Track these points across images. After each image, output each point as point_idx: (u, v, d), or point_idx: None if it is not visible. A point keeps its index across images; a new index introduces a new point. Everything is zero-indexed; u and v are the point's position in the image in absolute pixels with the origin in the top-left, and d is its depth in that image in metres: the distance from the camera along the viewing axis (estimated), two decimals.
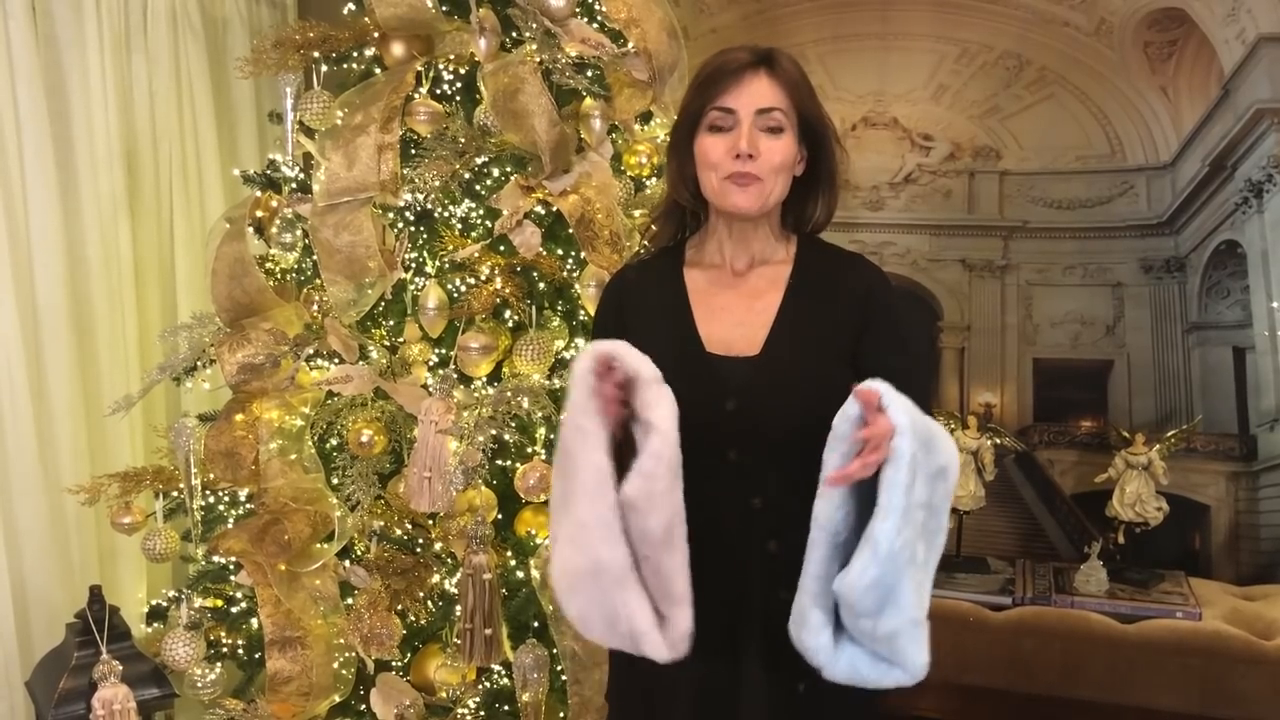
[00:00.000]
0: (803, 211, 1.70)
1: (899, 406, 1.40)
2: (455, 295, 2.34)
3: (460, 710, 2.33)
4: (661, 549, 1.47)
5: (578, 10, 2.39)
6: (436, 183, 2.30)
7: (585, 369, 1.47)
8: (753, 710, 1.61)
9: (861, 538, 1.41)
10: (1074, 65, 3.32)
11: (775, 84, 1.59)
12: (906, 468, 1.39)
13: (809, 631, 1.47)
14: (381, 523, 2.39)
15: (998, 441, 3.33)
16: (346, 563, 2.41)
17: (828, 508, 1.45)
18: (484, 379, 2.35)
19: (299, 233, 2.51)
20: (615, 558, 1.45)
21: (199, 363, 2.56)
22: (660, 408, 1.45)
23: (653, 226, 1.79)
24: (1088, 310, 3.41)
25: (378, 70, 2.49)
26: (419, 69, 2.43)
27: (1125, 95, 3.30)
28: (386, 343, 2.44)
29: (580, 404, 1.47)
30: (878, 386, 1.40)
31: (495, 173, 2.37)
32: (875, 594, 1.40)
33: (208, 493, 2.53)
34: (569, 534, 1.50)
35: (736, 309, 1.65)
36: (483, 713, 2.34)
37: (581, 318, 2.42)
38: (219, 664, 2.50)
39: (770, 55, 1.60)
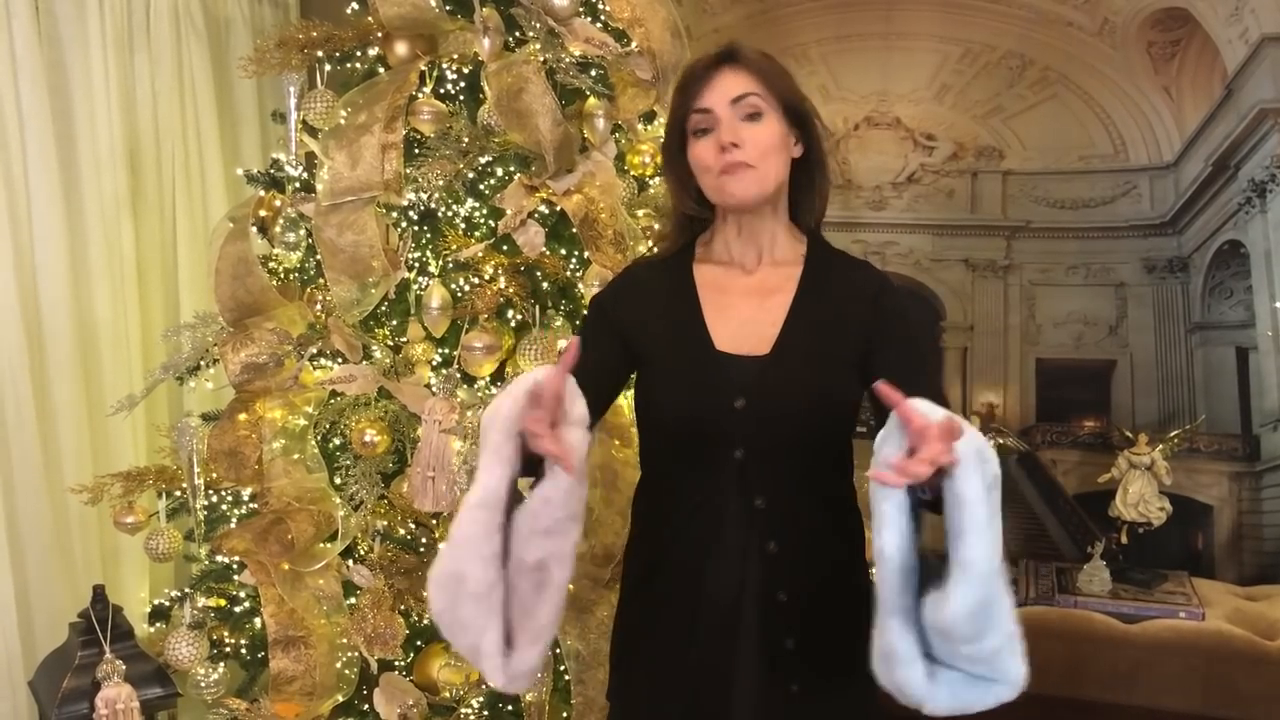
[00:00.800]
0: (810, 199, 1.69)
1: (940, 413, 1.32)
2: (459, 295, 2.34)
3: (463, 710, 2.33)
4: (529, 583, 1.47)
5: (581, 10, 2.39)
6: (440, 182, 2.30)
7: (523, 390, 1.41)
8: (746, 709, 1.61)
9: (949, 563, 1.34)
10: (1077, 65, 3.32)
11: (742, 73, 1.61)
12: (977, 480, 1.32)
13: (900, 668, 1.39)
14: (385, 522, 2.39)
15: (1000, 442, 3.33)
16: (350, 562, 2.41)
17: (888, 537, 1.37)
18: (488, 378, 2.35)
19: (302, 232, 2.51)
20: (481, 577, 1.44)
21: (202, 362, 2.56)
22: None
23: (663, 237, 1.79)
24: (1090, 310, 3.41)
25: (381, 70, 2.49)
26: (423, 68, 2.42)
27: (1128, 95, 3.30)
28: (390, 342, 2.44)
29: (505, 420, 1.43)
30: (914, 402, 1.32)
31: (499, 172, 2.37)
32: (979, 619, 1.33)
33: (210, 492, 2.53)
34: (451, 535, 1.48)
35: (746, 307, 1.64)
36: (486, 712, 2.33)
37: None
38: (222, 664, 2.50)
39: (732, 49, 1.63)
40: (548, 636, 1.49)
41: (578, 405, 1.45)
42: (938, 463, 1.27)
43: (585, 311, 2.38)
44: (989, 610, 1.33)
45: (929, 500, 1.39)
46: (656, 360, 1.65)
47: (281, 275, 2.60)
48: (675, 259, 1.72)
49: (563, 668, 2.30)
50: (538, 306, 2.34)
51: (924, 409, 1.31)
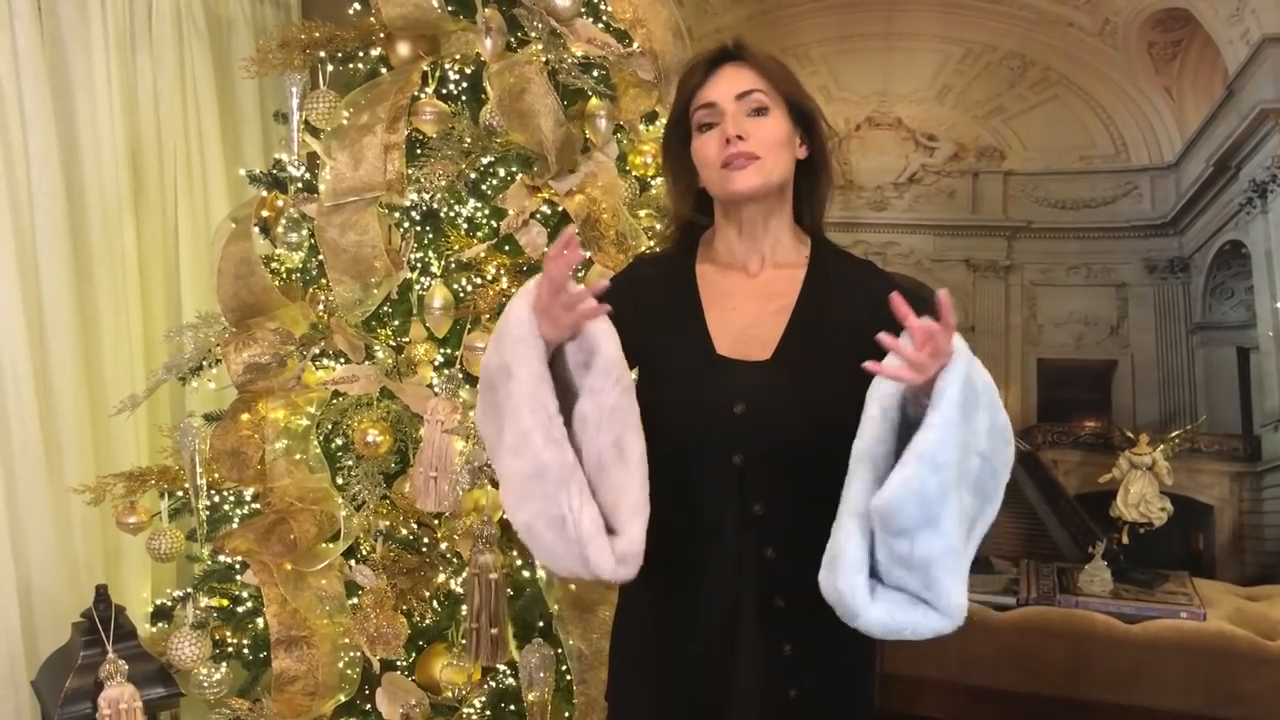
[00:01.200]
0: (814, 200, 1.69)
1: (960, 340, 1.41)
2: (461, 295, 2.35)
3: (466, 710, 2.34)
4: (614, 466, 1.49)
5: (583, 10, 2.39)
6: (442, 182, 2.30)
7: (529, 289, 1.51)
8: (744, 713, 1.61)
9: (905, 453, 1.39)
10: (1078, 66, 3.33)
11: (747, 68, 1.61)
12: (958, 384, 1.38)
13: (843, 570, 1.42)
14: (387, 522, 2.40)
15: None
16: (352, 562, 2.41)
17: (863, 441, 1.44)
18: None
19: (305, 232, 2.51)
20: (558, 459, 1.46)
21: (204, 362, 2.56)
22: (599, 326, 1.48)
23: (664, 239, 1.79)
24: (1092, 310, 3.41)
25: (383, 70, 2.49)
26: (425, 69, 2.43)
27: (1129, 96, 3.31)
28: (392, 342, 2.44)
29: (520, 319, 1.49)
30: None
31: (501, 172, 2.38)
32: (916, 506, 1.36)
33: (213, 492, 2.53)
34: (511, 446, 1.50)
35: (749, 311, 1.64)
36: (488, 712, 2.34)
37: None
38: (224, 663, 2.51)
39: (737, 45, 1.63)
40: (646, 510, 1.49)
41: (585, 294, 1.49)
42: (939, 352, 1.37)
43: None
44: (927, 504, 1.36)
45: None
46: (658, 363, 1.65)
47: (284, 275, 2.60)
48: (679, 258, 1.72)
49: (565, 667, 2.31)
50: None
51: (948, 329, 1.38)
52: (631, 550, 1.47)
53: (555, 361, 1.52)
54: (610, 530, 1.48)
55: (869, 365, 1.39)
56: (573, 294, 1.45)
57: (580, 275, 2.38)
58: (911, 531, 1.38)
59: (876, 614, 1.43)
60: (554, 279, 1.44)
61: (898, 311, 1.38)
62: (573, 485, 1.46)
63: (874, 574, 1.44)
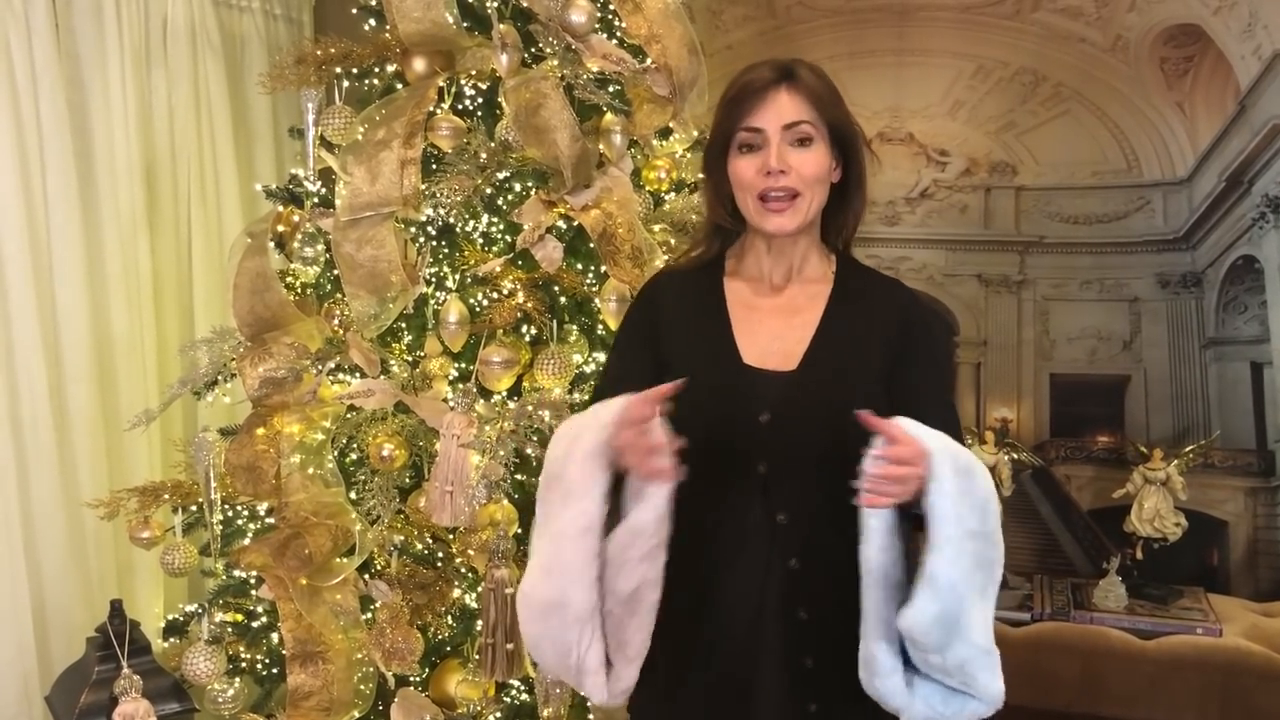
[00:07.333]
0: (841, 219, 1.70)
1: (927, 433, 1.43)
2: (476, 309, 2.35)
3: None
4: (625, 608, 1.53)
5: (598, 26, 2.40)
6: (458, 197, 2.30)
7: (611, 418, 1.48)
8: None
9: (917, 575, 1.44)
10: (1090, 81, 3.34)
11: (798, 97, 1.59)
12: (950, 497, 1.41)
13: (880, 676, 1.48)
14: (402, 537, 2.40)
15: (1015, 457, 3.33)
16: (367, 577, 2.41)
17: (870, 550, 1.46)
18: (505, 393, 2.36)
19: (320, 247, 2.51)
20: (584, 600, 1.51)
21: (219, 377, 2.56)
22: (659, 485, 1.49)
23: (697, 243, 1.78)
24: (1104, 325, 3.41)
25: (399, 86, 2.50)
26: (441, 84, 2.44)
27: (1141, 111, 3.31)
28: (408, 357, 2.44)
29: (594, 447, 1.49)
30: (899, 421, 1.42)
31: (517, 187, 2.38)
32: (940, 629, 1.42)
33: (227, 507, 2.53)
34: (546, 563, 1.54)
35: (775, 323, 1.65)
36: None
37: (601, 332, 2.42)
38: (238, 678, 2.50)
39: (792, 70, 1.60)
40: (644, 653, 1.55)
41: (659, 433, 1.48)
42: (898, 477, 1.39)
43: (601, 326, 2.40)
44: (953, 622, 1.43)
45: (918, 517, 1.46)
46: (684, 371, 1.65)
47: (299, 290, 2.61)
48: (706, 272, 1.73)
49: None
50: (555, 321, 2.35)
51: (909, 429, 1.41)
52: (624, 689, 1.57)
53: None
54: (609, 660, 1.56)
55: (860, 498, 1.41)
56: (654, 444, 1.44)
57: (596, 289, 2.39)
58: (940, 648, 1.44)
59: (919, 709, 1.49)
60: (635, 419, 1.45)
61: (870, 425, 1.40)
62: (589, 624, 1.52)
63: (911, 665, 1.50)
